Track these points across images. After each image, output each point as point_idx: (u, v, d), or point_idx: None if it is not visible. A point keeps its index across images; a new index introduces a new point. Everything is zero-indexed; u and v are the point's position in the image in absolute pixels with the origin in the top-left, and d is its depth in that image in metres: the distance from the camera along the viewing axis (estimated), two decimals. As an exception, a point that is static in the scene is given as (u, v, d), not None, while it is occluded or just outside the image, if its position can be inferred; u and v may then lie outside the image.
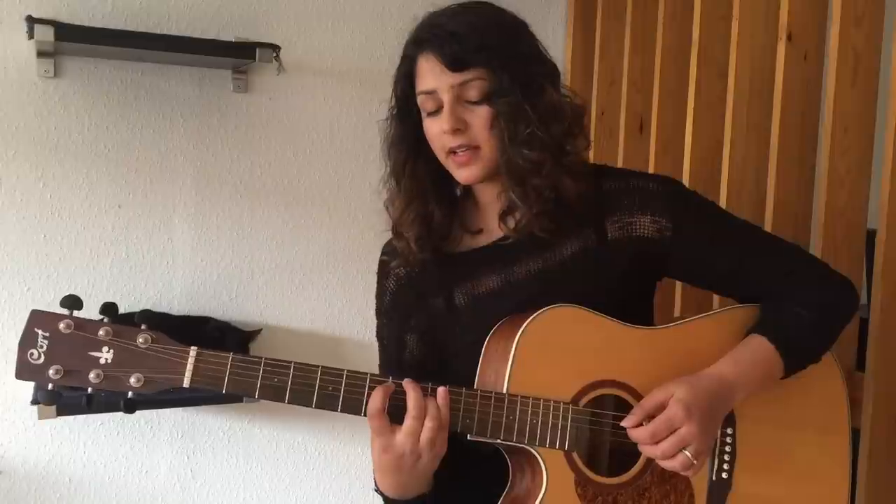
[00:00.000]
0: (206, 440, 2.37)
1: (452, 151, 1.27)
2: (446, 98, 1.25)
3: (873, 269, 1.64)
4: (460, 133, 1.25)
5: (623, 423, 1.22)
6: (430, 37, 1.26)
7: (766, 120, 1.90)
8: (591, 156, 2.52)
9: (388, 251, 1.43)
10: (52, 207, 2.18)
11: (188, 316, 2.30)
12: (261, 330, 2.35)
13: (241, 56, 2.21)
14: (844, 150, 1.73)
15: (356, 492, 2.52)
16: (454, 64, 1.23)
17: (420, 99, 1.28)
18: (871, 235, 1.70)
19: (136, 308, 2.25)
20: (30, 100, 2.13)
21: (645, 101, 2.36)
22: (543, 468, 1.21)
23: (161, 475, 2.33)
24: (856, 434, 1.64)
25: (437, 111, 1.27)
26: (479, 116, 1.25)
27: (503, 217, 1.31)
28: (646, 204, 1.29)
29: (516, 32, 1.30)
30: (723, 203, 1.94)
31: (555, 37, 2.61)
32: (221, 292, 2.35)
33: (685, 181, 2.08)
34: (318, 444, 2.48)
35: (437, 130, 1.27)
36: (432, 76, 1.25)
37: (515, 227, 1.29)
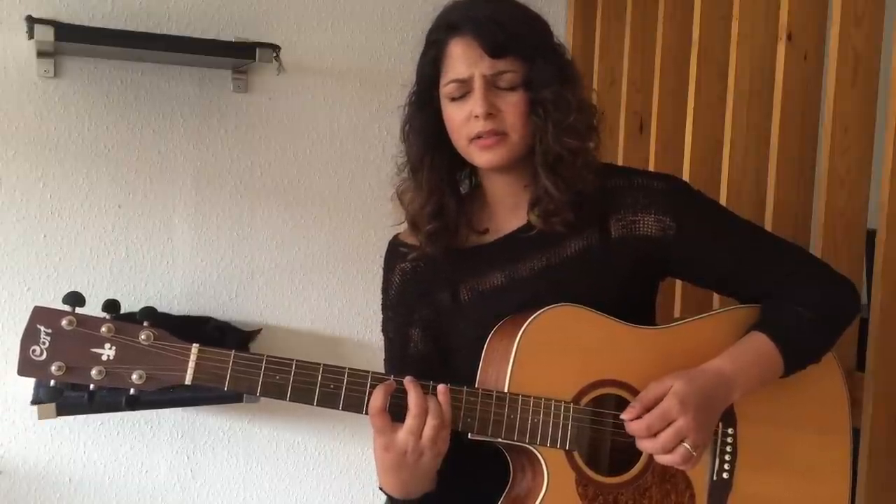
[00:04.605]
0: (206, 440, 2.37)
1: (477, 136, 1.25)
2: (478, 83, 1.24)
3: (873, 269, 1.64)
4: (491, 118, 1.24)
5: (622, 416, 1.22)
6: (467, 21, 1.24)
7: (766, 120, 1.90)
8: (592, 156, 2.53)
9: (395, 245, 1.43)
10: (52, 207, 2.18)
11: (188, 316, 2.30)
12: (261, 330, 2.35)
13: (241, 56, 2.21)
14: (844, 150, 1.73)
15: (356, 492, 2.52)
16: (495, 50, 1.23)
17: (449, 88, 1.26)
18: (871, 235, 1.70)
19: (136, 308, 2.24)
20: (30, 100, 2.13)
21: (645, 101, 2.36)
22: (544, 467, 1.21)
23: (161, 475, 2.33)
24: (856, 434, 1.64)
25: (463, 97, 1.25)
26: (512, 103, 1.24)
27: (532, 207, 1.30)
28: (649, 202, 1.29)
29: (546, 27, 1.31)
30: (723, 203, 1.94)
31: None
32: (221, 292, 2.35)
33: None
34: (318, 444, 2.48)
35: (463, 115, 1.26)
36: (467, 62, 1.24)
37: (544, 217, 1.28)
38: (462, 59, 1.24)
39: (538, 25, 1.30)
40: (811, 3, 1.83)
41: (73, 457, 2.25)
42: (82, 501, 2.26)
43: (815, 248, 1.74)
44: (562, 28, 2.62)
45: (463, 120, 1.26)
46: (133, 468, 2.30)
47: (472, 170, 1.39)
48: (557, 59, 1.28)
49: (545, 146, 1.25)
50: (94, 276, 2.22)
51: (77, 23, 2.10)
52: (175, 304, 2.30)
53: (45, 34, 1.96)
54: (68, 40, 2.00)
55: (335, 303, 2.46)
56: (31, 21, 1.98)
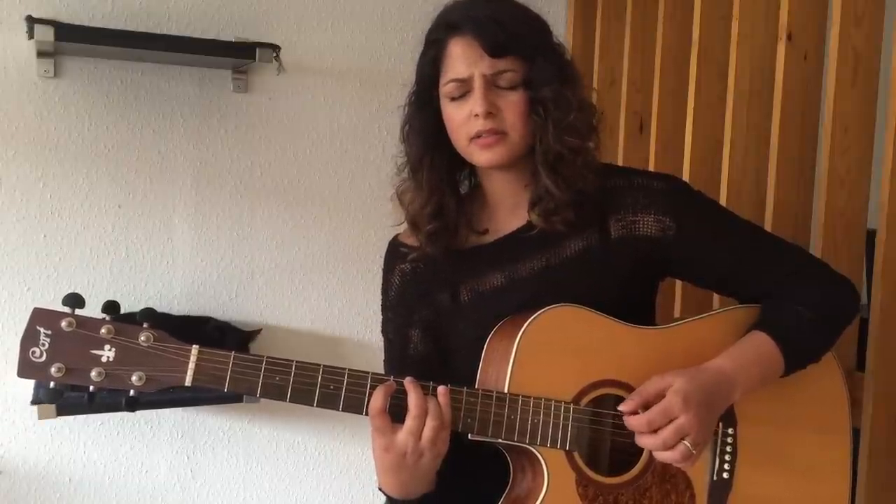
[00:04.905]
0: (206, 440, 2.37)
1: (477, 135, 1.25)
2: (478, 83, 1.24)
3: (873, 269, 1.64)
4: (491, 117, 1.24)
5: (620, 408, 1.22)
6: (467, 21, 1.24)
7: (766, 120, 1.90)
8: (591, 156, 2.53)
9: (394, 246, 1.43)
10: (52, 207, 2.18)
11: (188, 316, 2.30)
12: (261, 330, 2.35)
13: (241, 56, 2.21)
14: (844, 150, 1.73)
15: (356, 492, 2.52)
16: (495, 50, 1.23)
17: (449, 87, 1.26)
18: (871, 235, 1.70)
19: (137, 308, 2.24)
20: (30, 100, 2.13)
21: (645, 101, 2.36)
22: (544, 468, 1.21)
23: (161, 475, 2.33)
24: (856, 434, 1.64)
25: (463, 96, 1.25)
26: (512, 102, 1.25)
27: (533, 206, 1.30)
28: (649, 202, 1.29)
29: (545, 26, 1.31)
30: (723, 203, 1.94)
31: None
32: (221, 292, 2.35)
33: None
34: (318, 444, 2.48)
35: (464, 115, 1.25)
36: (467, 61, 1.24)
37: (545, 216, 1.28)
38: (462, 59, 1.24)
39: (538, 25, 1.30)
40: (811, 3, 1.83)
41: (73, 457, 2.25)
42: (82, 501, 2.26)
43: (815, 248, 1.74)
44: (562, 28, 2.62)
45: (463, 119, 1.26)
46: (133, 468, 2.30)
47: (472, 170, 1.39)
48: (557, 59, 1.29)
49: (545, 145, 1.25)
50: (94, 276, 2.22)
51: (77, 23, 2.09)
52: (175, 304, 2.30)
53: (45, 34, 1.96)
54: (68, 40, 2.00)
55: (335, 303, 2.46)
56: (31, 21, 1.98)
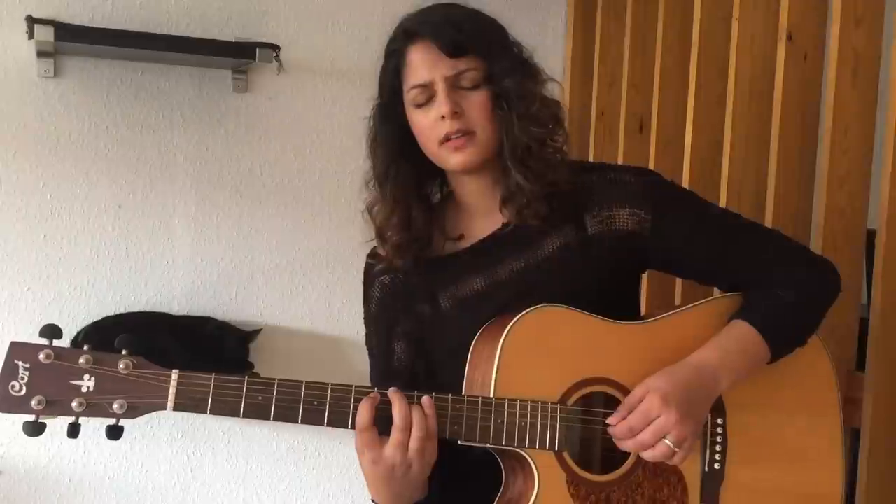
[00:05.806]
0: (206, 440, 2.37)
1: (447, 138, 1.25)
2: (441, 86, 1.24)
3: (873, 269, 1.64)
4: (458, 117, 1.24)
5: (608, 421, 1.22)
6: (424, 27, 1.25)
7: (766, 120, 1.89)
8: (591, 156, 2.53)
9: (373, 259, 1.42)
10: (52, 207, 2.18)
11: (188, 316, 2.30)
12: (261, 330, 2.35)
13: (241, 56, 2.22)
14: (844, 151, 1.72)
15: (356, 491, 2.52)
16: (454, 50, 1.23)
17: (412, 94, 1.26)
18: (871, 235, 1.69)
19: (136, 308, 2.25)
20: (30, 100, 2.14)
21: (645, 101, 2.35)
22: (534, 470, 1.20)
23: (161, 475, 2.33)
24: (856, 434, 1.63)
25: (428, 102, 1.26)
26: (476, 102, 1.25)
27: (505, 203, 1.29)
28: (624, 196, 1.29)
29: (501, 27, 1.32)
30: (723, 203, 1.93)
31: (555, 37, 2.60)
32: (221, 292, 2.35)
33: (685, 181, 2.08)
34: (318, 444, 2.48)
35: (430, 120, 1.25)
36: (427, 66, 1.24)
37: (518, 211, 1.28)
38: (422, 64, 1.25)
39: (494, 25, 1.31)
40: (811, 3, 1.83)
41: (73, 457, 2.25)
42: (82, 501, 2.27)
43: (815, 248, 1.73)
44: (562, 28, 2.62)
45: (430, 124, 1.26)
46: (133, 468, 2.30)
47: (443, 180, 1.39)
48: (516, 55, 1.29)
49: (512, 138, 1.25)
50: (93, 276, 2.23)
51: (77, 23, 2.11)
52: (175, 304, 2.30)
53: (45, 34, 1.98)
54: (68, 40, 2.01)
55: (335, 303, 2.46)
56: (31, 21, 1.99)
